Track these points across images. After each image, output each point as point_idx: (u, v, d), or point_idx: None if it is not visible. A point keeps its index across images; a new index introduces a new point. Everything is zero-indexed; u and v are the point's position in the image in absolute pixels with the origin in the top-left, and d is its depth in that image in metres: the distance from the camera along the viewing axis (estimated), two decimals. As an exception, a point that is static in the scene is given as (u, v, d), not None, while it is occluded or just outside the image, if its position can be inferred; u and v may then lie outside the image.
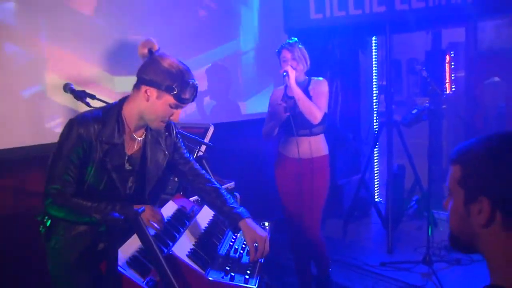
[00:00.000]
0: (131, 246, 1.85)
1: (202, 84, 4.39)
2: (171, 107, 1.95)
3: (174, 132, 2.26)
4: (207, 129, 3.22)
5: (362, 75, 5.99)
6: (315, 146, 3.36)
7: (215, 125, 3.35)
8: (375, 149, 5.53)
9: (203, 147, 2.93)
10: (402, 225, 5.04)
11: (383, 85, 4.91)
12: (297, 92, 3.24)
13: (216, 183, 2.26)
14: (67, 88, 2.48)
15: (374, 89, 5.96)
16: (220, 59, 4.54)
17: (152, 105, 1.94)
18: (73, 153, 1.92)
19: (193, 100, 2.00)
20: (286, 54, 3.32)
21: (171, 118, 2.00)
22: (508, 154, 1.09)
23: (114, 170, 2.02)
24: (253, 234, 2.00)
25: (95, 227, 2.05)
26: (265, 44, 4.99)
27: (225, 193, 2.20)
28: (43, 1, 3.12)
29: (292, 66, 3.28)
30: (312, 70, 3.97)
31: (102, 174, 2.00)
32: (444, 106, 5.97)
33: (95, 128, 1.94)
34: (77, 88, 2.52)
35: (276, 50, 3.41)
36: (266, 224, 2.43)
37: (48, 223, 2.05)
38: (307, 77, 3.44)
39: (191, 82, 1.93)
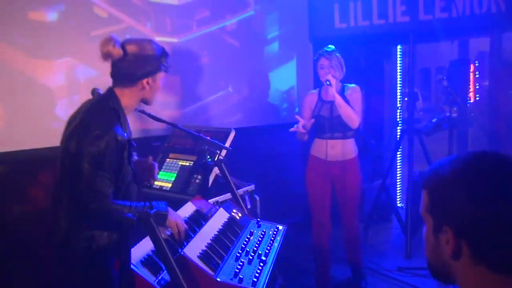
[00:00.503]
0: (146, 245, 1.86)
1: (228, 92, 4.40)
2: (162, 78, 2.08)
3: None
4: (228, 134, 3.22)
5: (387, 83, 5.89)
6: (348, 148, 3.48)
7: (236, 130, 3.35)
8: (398, 155, 5.42)
9: (224, 152, 2.92)
10: (422, 231, 4.90)
11: (407, 93, 4.81)
12: (339, 100, 3.34)
13: None
14: (95, 93, 2.50)
15: (399, 97, 5.84)
16: (244, 67, 4.53)
17: (152, 89, 2.04)
18: (112, 160, 1.88)
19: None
20: (324, 62, 3.43)
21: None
22: (474, 178, 0.93)
23: (132, 161, 2.05)
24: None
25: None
26: (290, 52, 4.96)
27: None
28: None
29: (329, 74, 3.37)
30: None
31: (128, 169, 1.99)
32: (472, 114, 5.82)
33: (119, 127, 1.93)
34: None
35: (314, 58, 3.54)
36: (280, 227, 2.40)
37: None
38: (340, 84, 3.53)
39: (166, 52, 2.06)
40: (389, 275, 4.02)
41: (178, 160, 3.28)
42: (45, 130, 3.08)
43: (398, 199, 5.92)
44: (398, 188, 5.97)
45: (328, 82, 3.34)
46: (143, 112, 2.38)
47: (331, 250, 3.66)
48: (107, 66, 2.02)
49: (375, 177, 5.59)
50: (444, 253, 0.99)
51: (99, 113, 1.95)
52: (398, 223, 4.90)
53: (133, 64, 1.97)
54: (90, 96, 2.11)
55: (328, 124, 3.40)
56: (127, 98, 2.02)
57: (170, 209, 1.98)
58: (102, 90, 2.09)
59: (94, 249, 1.90)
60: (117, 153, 1.89)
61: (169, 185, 3.12)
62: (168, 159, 3.34)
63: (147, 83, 2.00)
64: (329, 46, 3.50)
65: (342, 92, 3.47)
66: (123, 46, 1.94)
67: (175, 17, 3.86)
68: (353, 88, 3.52)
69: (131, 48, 1.96)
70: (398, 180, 5.96)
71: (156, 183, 3.17)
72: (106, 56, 1.91)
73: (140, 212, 1.64)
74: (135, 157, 2.10)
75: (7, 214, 2.97)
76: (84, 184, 1.83)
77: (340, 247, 3.87)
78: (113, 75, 2.02)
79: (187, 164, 3.19)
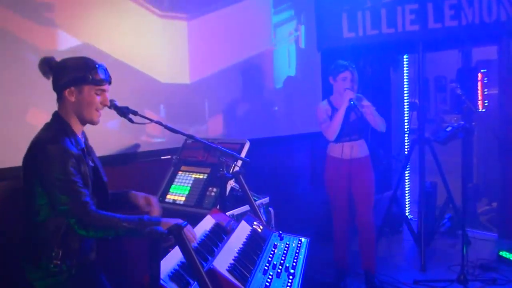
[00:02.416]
0: (172, 259, 1.83)
1: (239, 102, 4.40)
2: (96, 94, 2.04)
3: None
4: (243, 145, 3.21)
5: (393, 92, 5.91)
6: (363, 147, 3.90)
7: (252, 141, 3.34)
8: (407, 166, 5.42)
9: (240, 162, 2.91)
10: (435, 242, 4.91)
11: (415, 103, 4.83)
12: (368, 107, 3.70)
13: None
14: (111, 104, 2.49)
15: (406, 106, 5.87)
16: (255, 78, 4.54)
17: (80, 101, 2.02)
18: (73, 169, 1.92)
19: (110, 80, 2.10)
20: (348, 75, 3.73)
21: (102, 102, 2.07)
22: None
23: (90, 171, 2.07)
24: (145, 197, 2.27)
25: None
26: (301, 63, 4.99)
27: None
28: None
29: (352, 88, 3.71)
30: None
31: (88, 180, 2.03)
32: (474, 123, 5.84)
33: (69, 142, 1.98)
34: (121, 104, 2.54)
35: (332, 67, 3.81)
36: (303, 240, 2.38)
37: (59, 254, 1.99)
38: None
39: (97, 65, 2.03)
40: (406, 288, 3.99)
41: (191, 173, 3.25)
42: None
43: (407, 211, 5.91)
44: (407, 199, 5.97)
45: (352, 102, 3.64)
46: (159, 123, 2.37)
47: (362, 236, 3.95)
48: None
49: (384, 188, 5.58)
50: None
51: (46, 134, 2.00)
52: (410, 235, 4.88)
53: (56, 75, 2.03)
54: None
55: (345, 129, 3.78)
56: (63, 112, 2.06)
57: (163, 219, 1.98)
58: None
59: (65, 269, 1.97)
60: (75, 165, 1.94)
61: (183, 198, 3.09)
62: (180, 172, 3.31)
63: (70, 93, 2.01)
64: (348, 61, 3.81)
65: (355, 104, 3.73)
66: (50, 62, 2.02)
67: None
68: (363, 98, 3.87)
69: (55, 62, 2.03)
70: (407, 192, 5.96)
71: (168, 197, 3.15)
72: (43, 74, 2.02)
73: (174, 226, 1.63)
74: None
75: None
76: (57, 197, 1.88)
77: (357, 262, 3.89)
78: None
79: (201, 176, 3.17)
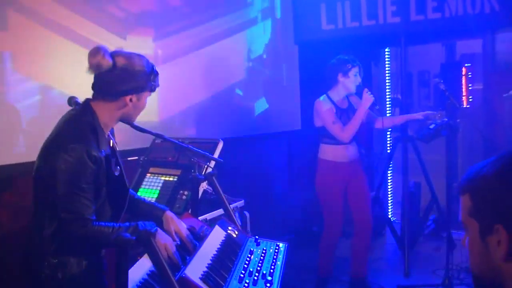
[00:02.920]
0: (141, 268, 1.83)
1: (211, 98, 4.40)
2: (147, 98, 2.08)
3: None
4: (216, 144, 3.21)
5: (375, 88, 5.98)
6: (358, 148, 3.99)
7: (224, 140, 3.35)
8: (390, 166, 5.50)
9: (212, 163, 2.91)
10: (419, 246, 5.00)
11: (398, 99, 4.91)
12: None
13: None
14: (72, 102, 2.46)
15: (388, 102, 5.95)
16: (228, 73, 4.55)
17: (135, 107, 2.03)
18: (88, 177, 1.87)
19: None
20: (357, 71, 3.78)
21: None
22: None
23: (114, 178, 2.03)
24: (176, 225, 2.18)
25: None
26: (275, 57, 5.01)
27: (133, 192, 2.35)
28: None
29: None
30: (322, 82, 4.00)
31: (102, 189, 1.98)
32: (458, 120, 5.96)
33: (93, 141, 1.92)
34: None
35: (333, 61, 3.82)
36: (281, 245, 2.40)
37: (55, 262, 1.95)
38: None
39: (156, 71, 2.06)
40: (390, 294, 4.06)
41: (160, 175, 3.23)
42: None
43: (390, 213, 6.01)
44: (389, 201, 6.06)
45: (377, 107, 3.85)
46: (125, 122, 2.35)
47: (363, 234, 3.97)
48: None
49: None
50: (494, 257, 1.00)
51: (72, 128, 1.93)
52: (392, 238, 4.97)
53: (119, 78, 1.94)
54: (53, 110, 2.08)
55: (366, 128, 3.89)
56: (106, 113, 2.00)
57: (159, 230, 1.96)
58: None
59: (60, 279, 1.89)
60: (92, 171, 1.88)
61: (152, 202, 3.08)
62: (148, 174, 3.29)
63: (130, 100, 1.98)
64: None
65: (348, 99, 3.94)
66: (112, 57, 1.93)
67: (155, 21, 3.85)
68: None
69: (120, 61, 1.94)
70: (389, 192, 6.05)
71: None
72: (95, 67, 1.89)
73: (140, 231, 1.62)
74: (117, 173, 2.08)
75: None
76: (61, 205, 1.83)
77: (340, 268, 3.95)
78: (95, 87, 1.99)
79: (171, 179, 3.16)
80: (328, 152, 3.87)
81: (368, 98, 3.73)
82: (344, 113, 3.85)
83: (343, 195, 3.91)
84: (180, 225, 2.19)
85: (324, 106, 3.81)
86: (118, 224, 1.91)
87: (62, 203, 1.83)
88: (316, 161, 3.97)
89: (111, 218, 2.05)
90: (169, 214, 2.23)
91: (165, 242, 1.94)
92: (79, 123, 1.95)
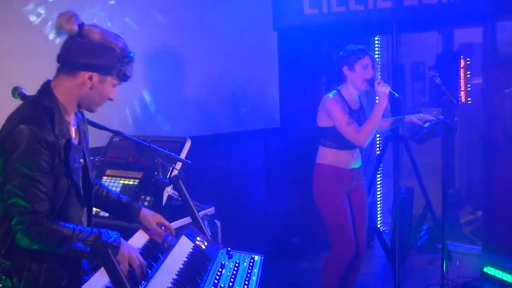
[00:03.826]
0: (96, 283, 1.83)
1: (178, 91, 4.40)
2: (113, 86, 2.04)
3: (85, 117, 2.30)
4: (183, 144, 3.22)
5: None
6: (361, 157, 3.96)
7: (192, 138, 3.35)
8: (379, 169, 5.57)
9: (179, 165, 2.92)
10: (411, 258, 5.07)
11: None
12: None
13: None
14: (17, 92, 2.43)
15: (377, 97, 6.02)
16: (196, 62, 4.55)
17: (94, 90, 1.99)
18: (41, 164, 1.85)
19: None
20: (369, 61, 3.69)
21: (111, 97, 2.08)
22: None
23: (75, 169, 2.01)
24: (157, 217, 2.41)
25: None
26: (252, 44, 5.02)
27: (106, 186, 2.49)
28: None
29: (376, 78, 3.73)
30: (305, 74, 4.01)
31: (62, 180, 1.95)
32: (455, 118, 6.05)
33: (49, 125, 1.90)
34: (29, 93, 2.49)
35: (357, 55, 3.69)
36: (257, 257, 2.42)
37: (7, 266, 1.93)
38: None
39: (132, 57, 2.03)
40: (378, 313, 4.12)
41: (118, 178, 3.24)
42: None
43: (378, 222, 6.08)
44: (378, 208, 6.14)
45: (397, 95, 3.69)
46: (86, 108, 2.32)
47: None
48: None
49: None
50: None
51: (24, 110, 1.94)
52: (381, 250, 5.03)
53: (82, 48, 1.93)
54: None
55: None
56: (64, 91, 1.98)
57: (123, 241, 1.97)
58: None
59: (15, 284, 1.88)
60: (47, 158, 1.86)
61: (108, 209, 3.07)
62: (104, 177, 3.29)
63: (90, 78, 1.96)
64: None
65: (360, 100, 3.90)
66: (81, 26, 1.92)
67: None
68: None
69: (91, 32, 1.94)
70: (378, 199, 6.13)
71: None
72: (57, 30, 1.90)
73: (94, 242, 1.62)
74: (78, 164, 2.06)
75: None
76: (6, 197, 1.82)
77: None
78: (58, 56, 1.99)
79: (131, 182, 3.17)
80: (329, 157, 3.79)
81: (382, 90, 3.60)
82: (355, 114, 3.76)
83: (349, 204, 3.86)
84: (159, 217, 2.43)
85: (336, 104, 3.69)
86: (79, 227, 1.89)
87: (6, 195, 1.83)
88: (302, 165, 4.05)
89: (78, 219, 2.06)
90: (143, 209, 2.41)
91: (129, 253, 1.94)
92: (32, 104, 1.95)
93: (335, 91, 3.78)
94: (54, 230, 1.84)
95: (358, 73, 3.67)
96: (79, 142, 2.11)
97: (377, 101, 3.78)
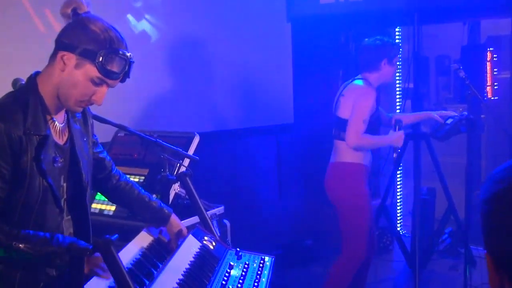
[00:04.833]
0: (98, 284, 1.85)
1: (187, 85, 4.42)
2: (94, 82, 1.89)
3: (90, 116, 2.24)
4: (191, 139, 3.23)
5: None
6: None
7: (200, 135, 3.37)
8: (399, 168, 5.56)
9: (187, 161, 2.94)
10: (432, 263, 5.06)
11: (410, 88, 4.95)
12: None
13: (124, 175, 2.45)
14: (17, 84, 2.47)
15: (398, 93, 6.02)
16: (206, 55, 4.57)
17: (69, 76, 1.87)
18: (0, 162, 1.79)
19: (124, 78, 1.96)
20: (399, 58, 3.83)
21: (93, 98, 1.94)
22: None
23: (52, 170, 1.92)
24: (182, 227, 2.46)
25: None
26: (264, 36, 5.03)
27: (139, 186, 2.50)
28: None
29: None
30: (321, 67, 4.00)
31: (35, 181, 1.87)
32: (483, 116, 6.02)
33: (19, 118, 1.82)
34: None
35: (397, 49, 3.75)
36: (267, 259, 2.44)
37: None
38: None
39: (121, 52, 1.89)
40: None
41: (123, 175, 3.25)
42: None
43: (399, 225, 6.08)
44: (398, 210, 6.14)
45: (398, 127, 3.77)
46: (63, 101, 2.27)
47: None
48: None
49: (371, 197, 5.72)
50: None
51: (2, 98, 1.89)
52: (401, 254, 5.02)
53: (65, 28, 1.90)
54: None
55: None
56: (47, 80, 1.92)
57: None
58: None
59: None
60: (6, 153, 1.79)
61: (113, 208, 3.09)
62: (109, 174, 3.31)
63: (63, 59, 1.86)
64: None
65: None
66: (75, 10, 1.89)
67: None
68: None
69: (84, 17, 1.89)
70: (398, 200, 6.12)
71: (94, 205, 3.14)
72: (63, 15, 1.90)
73: (101, 240, 1.63)
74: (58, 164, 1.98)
75: None
76: None
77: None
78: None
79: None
80: (355, 153, 3.74)
81: (399, 139, 3.73)
82: (381, 107, 3.83)
83: None
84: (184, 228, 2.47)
85: (371, 99, 3.66)
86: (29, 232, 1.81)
87: None
88: (316, 163, 4.08)
89: (56, 226, 1.96)
90: (173, 216, 2.48)
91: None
92: (7, 95, 1.91)
93: (363, 80, 3.72)
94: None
95: (394, 68, 3.73)
96: (65, 143, 2.03)
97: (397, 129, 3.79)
